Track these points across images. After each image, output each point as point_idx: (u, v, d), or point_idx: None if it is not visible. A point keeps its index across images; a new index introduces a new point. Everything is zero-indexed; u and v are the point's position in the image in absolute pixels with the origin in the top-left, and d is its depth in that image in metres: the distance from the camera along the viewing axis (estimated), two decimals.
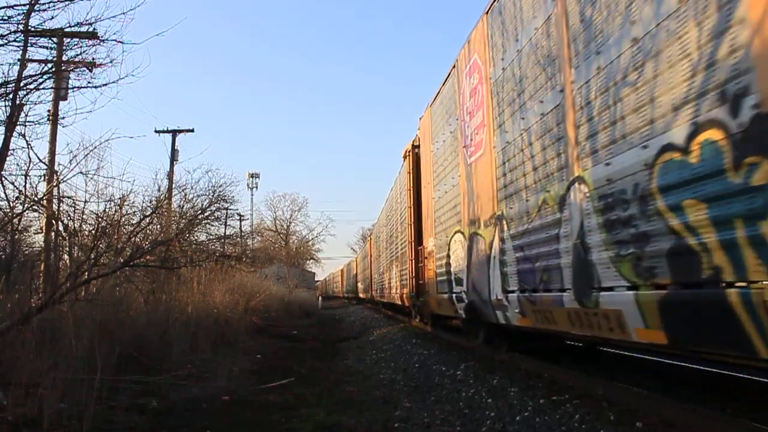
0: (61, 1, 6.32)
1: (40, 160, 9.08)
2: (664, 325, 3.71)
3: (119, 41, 6.70)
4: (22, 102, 6.74)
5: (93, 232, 8.69)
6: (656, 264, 3.71)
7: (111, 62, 6.88)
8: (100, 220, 8.91)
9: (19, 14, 6.28)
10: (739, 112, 3.00)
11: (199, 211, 13.52)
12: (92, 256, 7.72)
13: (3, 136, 6.69)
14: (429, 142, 11.15)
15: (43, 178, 9.64)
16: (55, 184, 8.48)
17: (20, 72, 6.68)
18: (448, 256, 9.48)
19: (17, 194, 7.75)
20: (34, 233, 10.29)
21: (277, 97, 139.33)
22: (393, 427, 4.93)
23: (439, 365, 8.03)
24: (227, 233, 19.79)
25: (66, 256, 8.99)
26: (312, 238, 66.97)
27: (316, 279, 75.85)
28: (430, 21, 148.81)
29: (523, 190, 6.11)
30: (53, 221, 8.99)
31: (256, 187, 56.36)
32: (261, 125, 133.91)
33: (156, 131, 23.71)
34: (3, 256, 8.39)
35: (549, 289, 5.41)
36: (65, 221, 8.87)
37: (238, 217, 29.58)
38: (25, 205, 7.92)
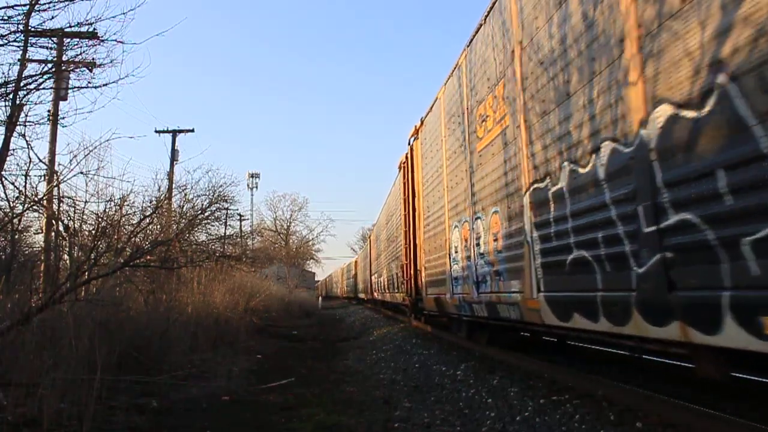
0: (61, 1, 6.32)
1: (40, 160, 9.06)
2: None
3: (119, 41, 6.70)
4: (22, 102, 6.73)
5: (93, 232, 8.69)
6: None
7: (111, 62, 6.89)
8: (100, 220, 8.91)
9: (19, 14, 6.28)
10: None
11: (199, 211, 13.49)
12: (92, 256, 7.72)
13: (3, 136, 6.69)
14: None
15: (43, 178, 9.64)
16: (55, 184, 8.48)
17: (20, 72, 6.68)
18: None
19: (17, 194, 7.75)
20: (34, 233, 10.30)
21: (277, 97, 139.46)
22: (393, 427, 4.93)
23: (439, 365, 8.03)
24: (227, 233, 19.75)
25: (66, 256, 8.98)
26: (312, 238, 67.00)
27: (316, 279, 75.87)
28: (430, 21, 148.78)
29: None
30: (53, 221, 8.99)
31: (256, 187, 56.43)
32: (261, 125, 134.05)
33: (156, 131, 23.73)
34: (3, 256, 8.38)
35: None
36: (65, 221, 8.87)
37: (239, 218, 29.53)
38: (25, 205, 7.91)
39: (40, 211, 9.04)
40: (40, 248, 9.85)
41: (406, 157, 13.40)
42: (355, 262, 40.02)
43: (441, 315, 11.05)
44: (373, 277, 25.47)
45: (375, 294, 24.47)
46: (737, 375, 5.56)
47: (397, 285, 15.86)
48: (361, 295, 33.64)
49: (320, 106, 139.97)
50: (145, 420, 5.16)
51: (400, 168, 14.45)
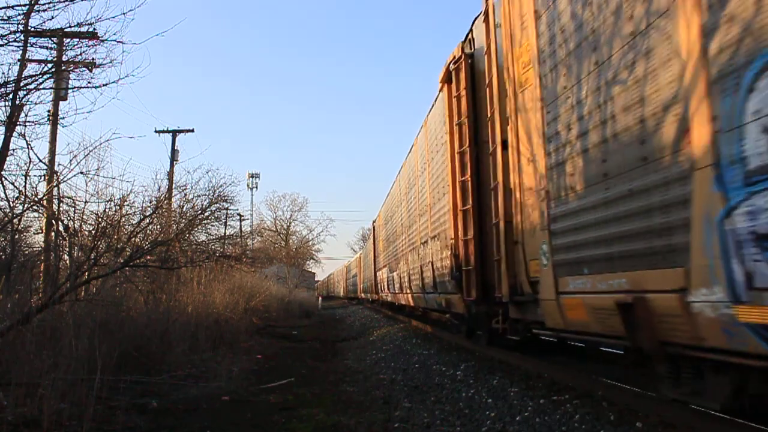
0: (61, 1, 6.33)
1: (40, 160, 9.07)
2: None
3: (119, 41, 6.72)
4: (22, 102, 6.74)
5: (93, 232, 8.69)
6: None
7: (111, 62, 6.90)
8: (100, 220, 8.92)
9: (19, 14, 6.29)
10: None
11: (199, 212, 13.49)
12: (92, 256, 7.73)
13: (3, 136, 6.70)
14: None
15: (43, 178, 9.65)
16: (55, 184, 8.48)
17: (20, 72, 6.69)
18: None
19: (17, 194, 7.75)
20: (34, 233, 10.30)
21: (278, 97, 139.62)
22: (393, 428, 4.93)
23: (439, 365, 8.02)
24: (227, 233, 19.77)
25: (66, 256, 8.99)
26: (312, 238, 66.95)
27: (316, 279, 75.88)
28: (431, 21, 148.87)
29: None
30: (53, 221, 8.99)
31: (256, 187, 56.40)
32: (261, 125, 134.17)
33: (156, 131, 23.68)
34: (3, 256, 8.38)
35: None
36: (65, 221, 8.87)
37: (238, 218, 29.53)
38: (25, 205, 7.92)
39: (40, 211, 9.05)
40: (40, 248, 9.85)
41: (460, 53, 8.22)
42: (359, 258, 36.69)
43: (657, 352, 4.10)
44: (379, 274, 19.98)
45: (382, 294, 19.23)
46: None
47: (431, 281, 10.38)
48: (365, 296, 30.43)
49: (320, 106, 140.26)
50: (145, 420, 5.16)
51: (445, 81, 8.85)
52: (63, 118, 7.92)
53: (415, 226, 12.52)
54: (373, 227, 23.98)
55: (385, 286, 18.49)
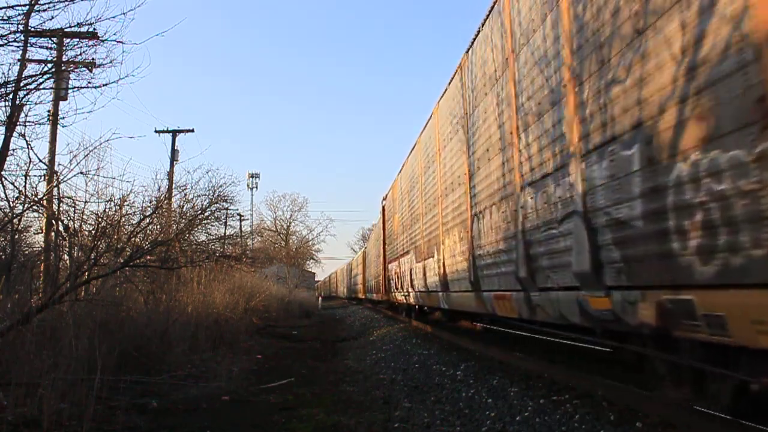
0: (61, 1, 6.33)
1: (40, 160, 9.08)
2: None
3: (119, 41, 6.73)
4: (22, 102, 6.75)
5: (93, 232, 8.69)
6: None
7: (111, 62, 6.91)
8: (100, 220, 8.92)
9: (19, 14, 6.29)
10: None
11: (199, 212, 13.51)
12: (92, 256, 7.73)
13: (3, 136, 6.71)
14: None
15: (43, 178, 9.66)
16: (55, 184, 8.48)
17: (20, 72, 6.70)
18: None
19: (17, 194, 7.75)
20: (34, 233, 10.31)
21: (278, 98, 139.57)
22: (393, 428, 4.93)
23: (439, 365, 8.02)
24: (227, 233, 19.79)
25: (66, 256, 8.99)
26: (312, 238, 66.97)
27: (316, 279, 75.95)
28: (431, 21, 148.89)
29: None
30: (53, 221, 9.00)
31: (256, 187, 56.41)
32: (261, 125, 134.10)
33: (156, 131, 23.67)
34: (3, 256, 8.39)
35: None
36: (65, 221, 8.88)
37: (238, 218, 29.54)
38: (25, 205, 7.92)
39: (40, 211, 9.06)
40: (40, 248, 9.86)
41: None
42: (362, 254, 31.87)
43: None
44: (392, 267, 15.43)
45: (396, 294, 14.97)
46: (737, 375, 5.55)
47: (584, 262, 4.18)
48: (370, 296, 25.29)
49: (320, 106, 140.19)
50: (145, 420, 5.16)
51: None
52: (63, 118, 7.92)
53: (497, 162, 6.38)
54: (383, 208, 18.86)
55: (407, 283, 12.83)
